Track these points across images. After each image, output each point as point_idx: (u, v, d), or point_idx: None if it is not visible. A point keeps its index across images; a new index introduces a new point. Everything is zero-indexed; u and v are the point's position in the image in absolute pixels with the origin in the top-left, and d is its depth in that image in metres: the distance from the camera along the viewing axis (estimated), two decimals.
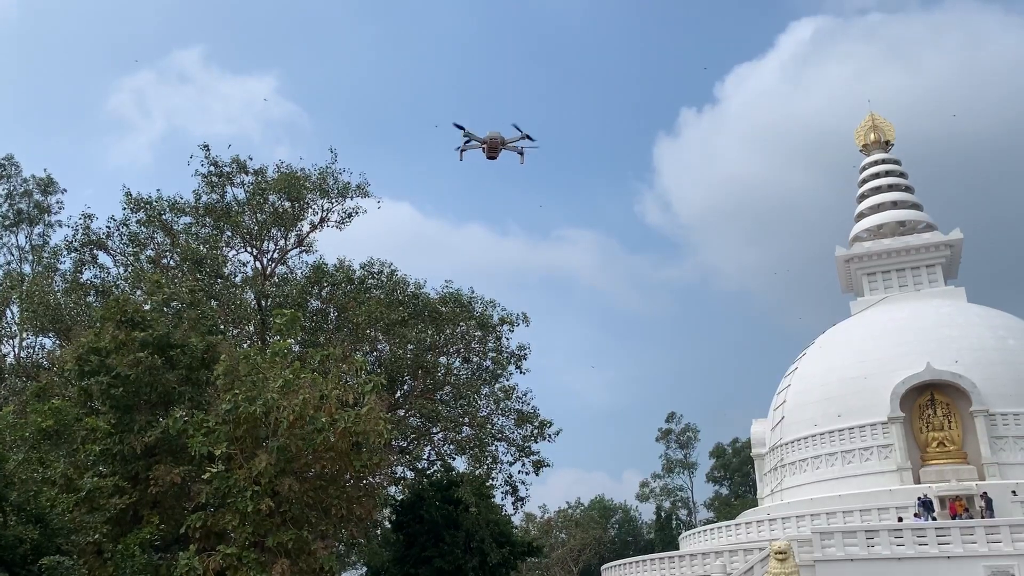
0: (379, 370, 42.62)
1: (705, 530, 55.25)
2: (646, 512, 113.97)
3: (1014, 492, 42.38)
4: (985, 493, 41.88)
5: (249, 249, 46.05)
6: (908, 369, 50.16)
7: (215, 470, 23.84)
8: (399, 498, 52.37)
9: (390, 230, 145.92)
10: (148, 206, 44.15)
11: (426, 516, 49.92)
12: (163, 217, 44.41)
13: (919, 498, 42.04)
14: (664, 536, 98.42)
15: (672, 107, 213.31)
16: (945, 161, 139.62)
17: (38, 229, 57.21)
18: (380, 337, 45.22)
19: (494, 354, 48.57)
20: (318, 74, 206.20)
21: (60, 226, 55.36)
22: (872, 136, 63.90)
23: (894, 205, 61.46)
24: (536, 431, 48.56)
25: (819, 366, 55.61)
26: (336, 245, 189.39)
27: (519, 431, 48.59)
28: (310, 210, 46.05)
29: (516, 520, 68.03)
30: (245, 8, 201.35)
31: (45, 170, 62.59)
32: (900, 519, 39.96)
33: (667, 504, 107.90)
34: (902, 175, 62.70)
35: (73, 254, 44.89)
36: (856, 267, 60.27)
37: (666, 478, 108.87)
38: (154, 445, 25.47)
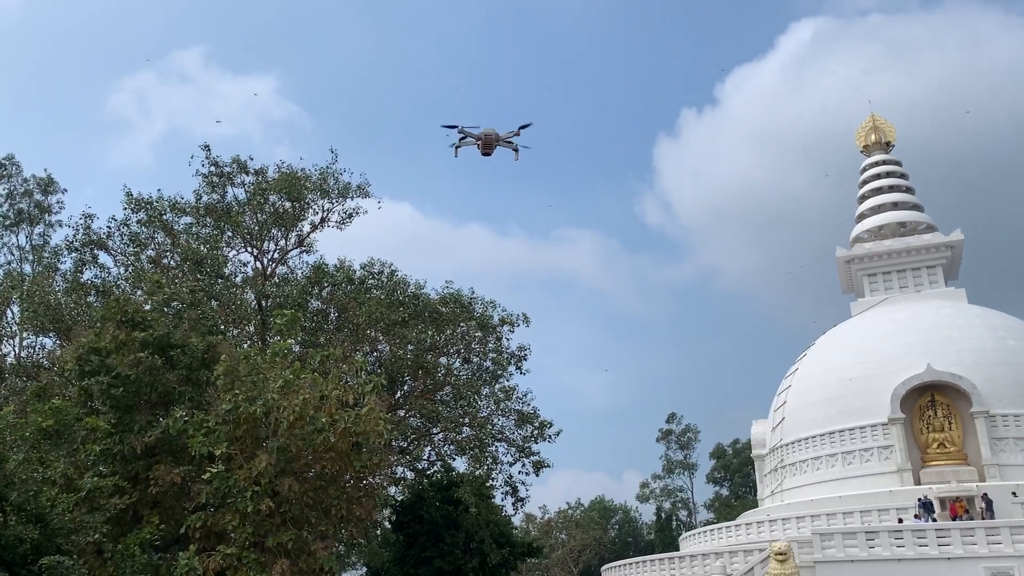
0: (379, 370, 42.60)
1: (705, 531, 55.21)
2: (646, 513, 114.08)
3: (1014, 493, 42.33)
4: (985, 494, 41.87)
5: (249, 249, 46.08)
6: (908, 370, 50.16)
7: (215, 470, 23.87)
8: (399, 498, 52.30)
9: (390, 230, 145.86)
10: (149, 206, 44.18)
11: (426, 516, 49.86)
12: (164, 217, 44.45)
13: (919, 499, 42.01)
14: (664, 537, 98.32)
15: (672, 108, 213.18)
16: (946, 162, 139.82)
17: (38, 229, 57.37)
18: (380, 337, 45.22)
19: (494, 354, 48.59)
20: (319, 74, 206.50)
21: (60, 226, 55.60)
22: (873, 137, 63.86)
23: (895, 206, 61.43)
24: (536, 432, 48.56)
25: (819, 367, 55.59)
26: (336, 245, 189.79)
27: (519, 432, 48.61)
28: (310, 210, 46.10)
29: (516, 521, 68.02)
30: (246, 8, 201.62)
31: (45, 170, 62.73)
32: (900, 520, 39.95)
33: (667, 505, 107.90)
34: (903, 176, 62.67)
35: (73, 254, 44.94)
36: (857, 268, 60.23)
37: (666, 479, 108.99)
38: (154, 445, 25.50)
